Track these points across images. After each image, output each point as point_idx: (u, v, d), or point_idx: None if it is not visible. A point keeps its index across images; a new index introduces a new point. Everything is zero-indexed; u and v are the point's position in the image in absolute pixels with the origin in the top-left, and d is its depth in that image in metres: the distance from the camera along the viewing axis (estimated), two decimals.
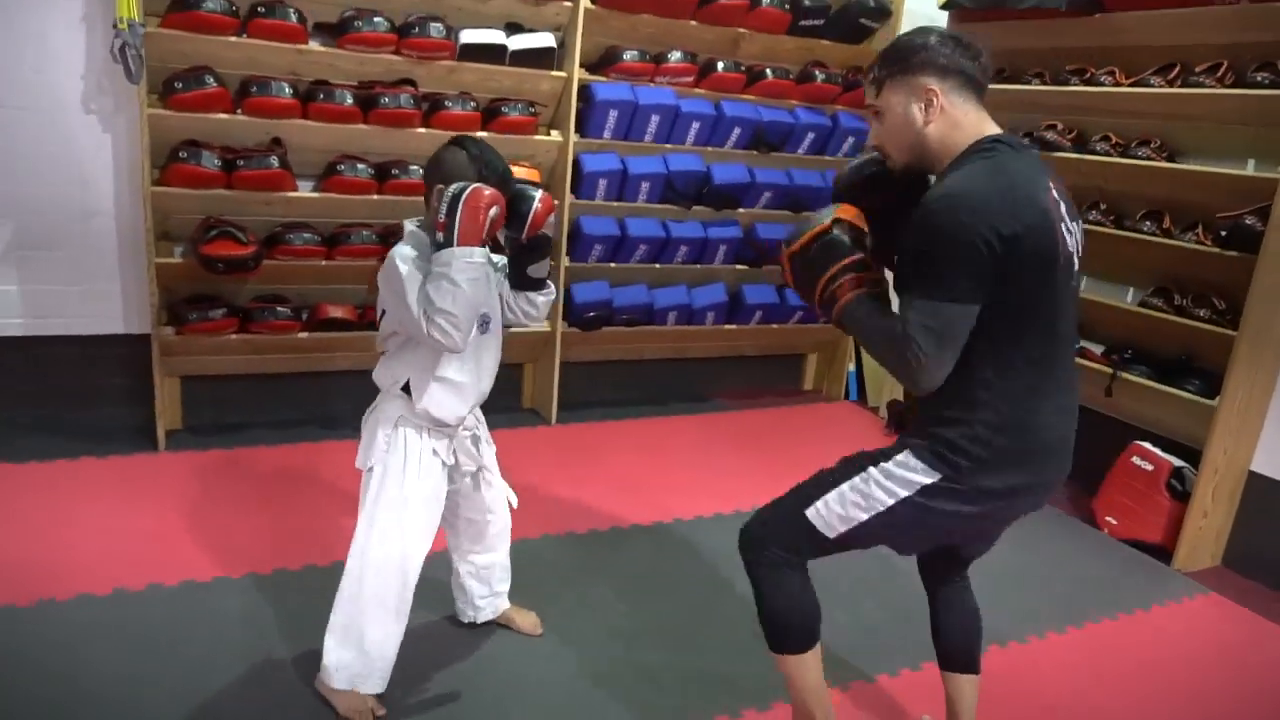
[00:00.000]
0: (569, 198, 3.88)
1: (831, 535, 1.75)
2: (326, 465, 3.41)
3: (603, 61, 3.89)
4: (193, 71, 3.17)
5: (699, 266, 4.25)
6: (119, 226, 3.47)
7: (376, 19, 3.32)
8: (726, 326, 4.43)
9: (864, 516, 1.71)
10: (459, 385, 2.06)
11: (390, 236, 3.55)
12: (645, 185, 3.98)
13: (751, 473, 3.72)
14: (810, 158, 4.38)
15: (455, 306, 1.85)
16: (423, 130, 3.53)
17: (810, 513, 1.75)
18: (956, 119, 1.63)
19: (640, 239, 4.02)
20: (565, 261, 3.96)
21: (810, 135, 4.29)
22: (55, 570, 2.57)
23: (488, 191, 1.87)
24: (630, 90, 3.83)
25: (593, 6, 3.70)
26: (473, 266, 1.88)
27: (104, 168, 3.40)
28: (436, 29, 3.39)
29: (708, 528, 3.22)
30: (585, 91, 3.79)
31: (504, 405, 4.30)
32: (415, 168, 3.53)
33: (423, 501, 2.09)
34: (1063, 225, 1.60)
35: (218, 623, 2.42)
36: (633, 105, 3.82)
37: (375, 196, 3.51)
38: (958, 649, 2.01)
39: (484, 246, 1.92)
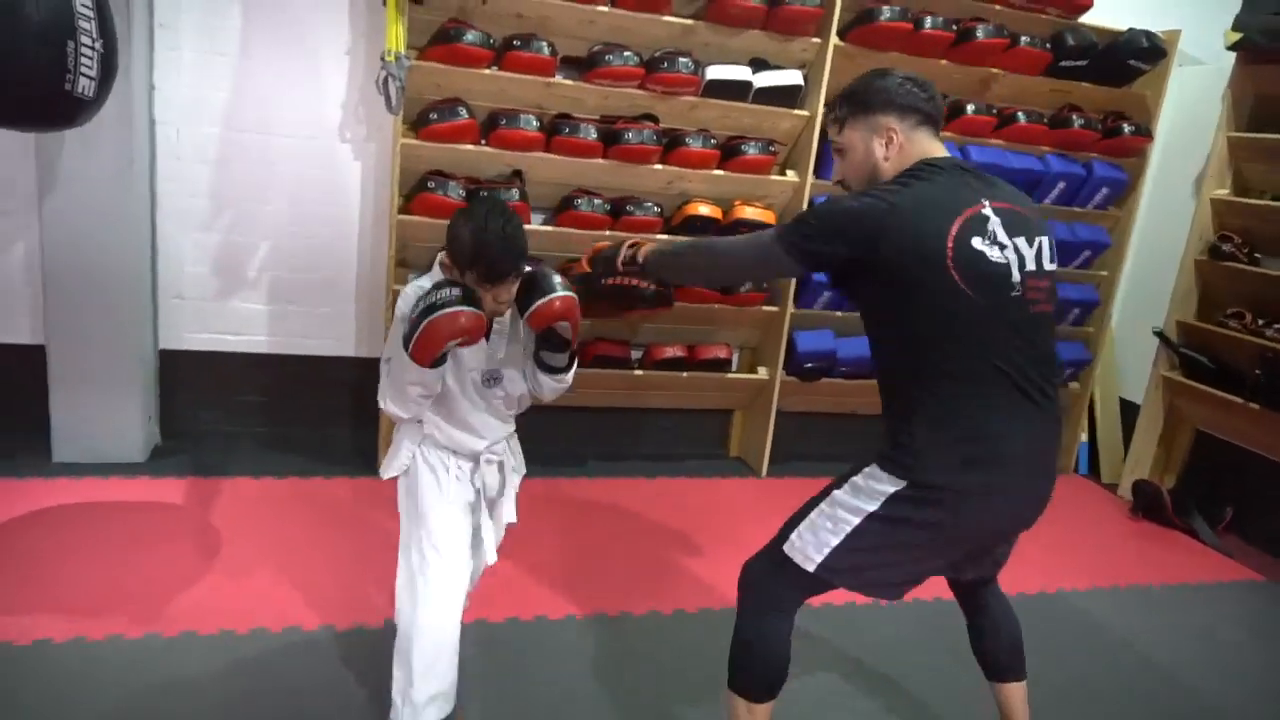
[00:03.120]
0: None
1: (810, 568, 1.72)
2: (544, 499, 3.33)
3: None
4: (447, 103, 3.20)
5: None
6: (359, 252, 3.55)
7: (626, 53, 3.26)
8: None
9: (835, 541, 1.70)
10: (460, 424, 1.92)
11: None
12: None
13: None
14: (1058, 208, 4.04)
15: (395, 403, 1.80)
16: (659, 167, 3.44)
17: (787, 547, 1.76)
18: (910, 152, 1.75)
19: None
20: (791, 308, 3.76)
21: (1061, 184, 3.95)
22: (298, 595, 2.59)
23: (462, 320, 1.68)
24: None
25: (841, 44, 3.52)
26: (419, 382, 1.76)
27: (352, 195, 3.49)
28: (685, 64, 3.30)
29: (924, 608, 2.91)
30: (827, 132, 3.60)
31: (707, 452, 4.14)
32: (650, 204, 3.44)
33: (452, 534, 1.93)
34: (979, 240, 1.62)
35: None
36: None
37: (607, 232, 3.44)
38: (1000, 653, 2.01)
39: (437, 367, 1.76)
